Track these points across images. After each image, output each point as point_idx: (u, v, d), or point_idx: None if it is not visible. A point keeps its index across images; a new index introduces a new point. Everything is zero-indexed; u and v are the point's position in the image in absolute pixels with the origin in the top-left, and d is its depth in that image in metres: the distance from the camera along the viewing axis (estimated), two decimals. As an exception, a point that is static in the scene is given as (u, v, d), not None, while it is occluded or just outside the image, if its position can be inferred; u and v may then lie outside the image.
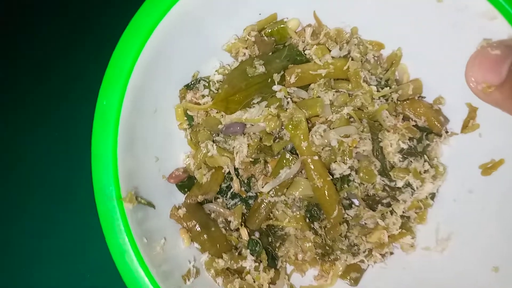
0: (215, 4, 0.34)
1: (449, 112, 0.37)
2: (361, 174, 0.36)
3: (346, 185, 0.37)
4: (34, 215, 0.48)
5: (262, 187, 0.36)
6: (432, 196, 0.38)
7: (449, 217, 0.37)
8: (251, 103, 0.35)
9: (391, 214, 0.38)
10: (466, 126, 0.36)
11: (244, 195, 0.37)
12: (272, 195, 0.36)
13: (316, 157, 0.35)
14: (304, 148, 0.35)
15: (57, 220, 0.47)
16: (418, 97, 0.38)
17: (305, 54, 0.37)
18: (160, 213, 0.33)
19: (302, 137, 0.35)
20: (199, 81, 0.36)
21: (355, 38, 0.38)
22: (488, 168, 0.34)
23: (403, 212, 0.38)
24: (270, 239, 0.38)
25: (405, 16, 0.35)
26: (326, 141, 0.35)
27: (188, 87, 0.36)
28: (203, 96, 0.35)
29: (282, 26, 0.37)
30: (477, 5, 0.30)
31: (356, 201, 0.39)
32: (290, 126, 0.35)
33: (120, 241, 0.27)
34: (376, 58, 0.39)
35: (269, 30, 0.37)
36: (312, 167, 0.35)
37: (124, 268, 0.27)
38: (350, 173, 0.37)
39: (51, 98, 0.50)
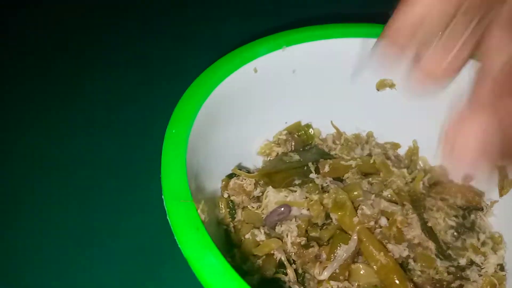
0: (243, 116, 0.39)
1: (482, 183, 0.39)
2: (419, 262, 0.34)
3: (408, 271, 0.34)
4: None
5: (320, 275, 0.33)
6: (501, 267, 0.35)
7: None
8: (293, 183, 0.36)
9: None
10: (502, 188, 0.37)
11: (300, 288, 0.33)
12: (333, 283, 0.33)
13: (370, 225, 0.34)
14: (355, 223, 0.34)
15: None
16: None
17: (332, 154, 0.41)
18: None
19: (349, 215, 0.34)
20: (240, 169, 0.37)
21: (373, 141, 0.42)
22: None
23: (479, 295, 0.34)
24: None
25: (415, 112, 0.40)
26: (376, 211, 0.34)
27: (230, 176, 0.37)
28: (245, 179, 0.36)
29: (308, 130, 0.41)
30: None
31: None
32: (335, 208, 0.35)
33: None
34: (395, 157, 0.42)
35: (297, 133, 0.41)
36: (369, 240, 0.33)
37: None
38: (409, 255, 0.34)
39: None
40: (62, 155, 0.48)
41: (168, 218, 0.25)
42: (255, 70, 0.35)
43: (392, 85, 0.40)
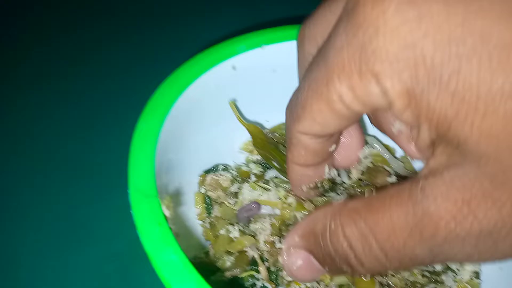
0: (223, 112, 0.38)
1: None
2: None
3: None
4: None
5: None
6: (477, 275, 0.35)
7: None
8: (268, 182, 0.36)
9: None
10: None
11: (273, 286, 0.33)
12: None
13: None
14: None
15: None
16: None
17: None
18: None
19: None
20: (218, 165, 0.37)
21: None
22: None
23: (454, 302, 0.34)
24: None
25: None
26: None
27: (207, 172, 0.37)
28: (222, 175, 0.36)
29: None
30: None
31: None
32: (299, 206, 0.34)
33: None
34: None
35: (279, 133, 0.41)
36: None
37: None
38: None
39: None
40: (34, 155, 0.48)
41: (132, 212, 0.25)
42: (234, 67, 0.35)
43: None
